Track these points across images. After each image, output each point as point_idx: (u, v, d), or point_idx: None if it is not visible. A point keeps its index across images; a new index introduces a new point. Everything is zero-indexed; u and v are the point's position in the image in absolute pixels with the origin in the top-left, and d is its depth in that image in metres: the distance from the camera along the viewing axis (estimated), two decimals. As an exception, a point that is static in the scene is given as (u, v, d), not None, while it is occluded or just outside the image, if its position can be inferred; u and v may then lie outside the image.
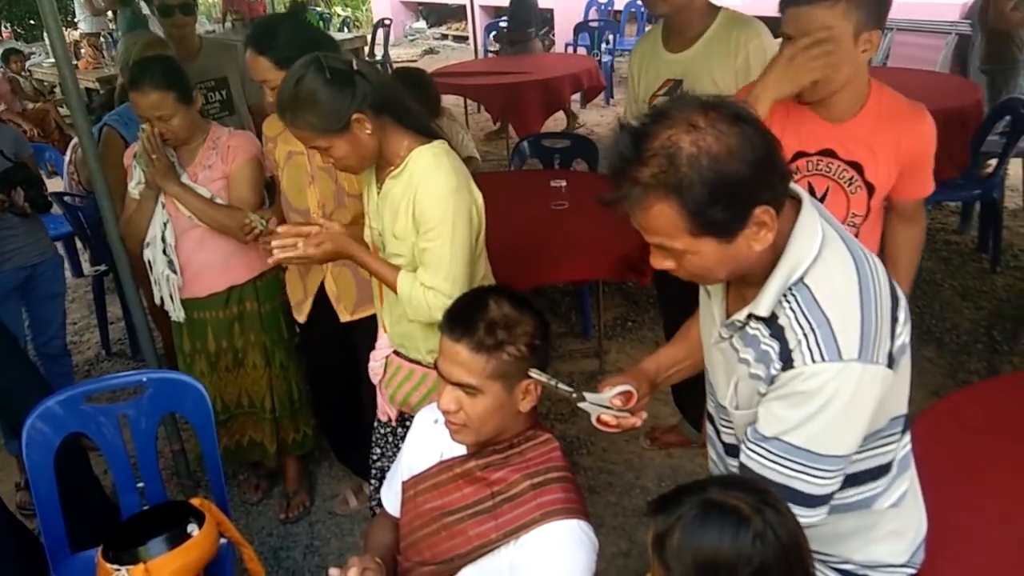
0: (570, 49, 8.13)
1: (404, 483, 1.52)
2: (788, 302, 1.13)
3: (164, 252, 2.39)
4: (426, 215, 1.66)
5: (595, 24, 8.01)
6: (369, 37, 9.04)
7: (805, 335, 1.10)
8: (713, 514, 0.99)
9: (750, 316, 1.16)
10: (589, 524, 1.34)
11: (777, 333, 1.13)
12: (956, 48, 5.43)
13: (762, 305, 1.14)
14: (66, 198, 3.57)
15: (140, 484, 2.11)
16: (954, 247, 4.28)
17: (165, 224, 2.37)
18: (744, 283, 1.18)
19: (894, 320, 1.14)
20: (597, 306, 3.67)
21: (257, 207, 2.40)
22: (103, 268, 3.73)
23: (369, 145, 1.68)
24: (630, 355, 3.53)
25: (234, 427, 2.64)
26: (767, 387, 1.15)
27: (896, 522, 1.29)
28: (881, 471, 1.25)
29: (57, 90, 8.35)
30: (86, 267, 4.50)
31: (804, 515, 1.12)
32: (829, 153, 1.73)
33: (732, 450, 1.32)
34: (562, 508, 1.32)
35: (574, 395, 1.32)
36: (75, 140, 3.69)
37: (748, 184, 1.04)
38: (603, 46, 7.79)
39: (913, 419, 1.75)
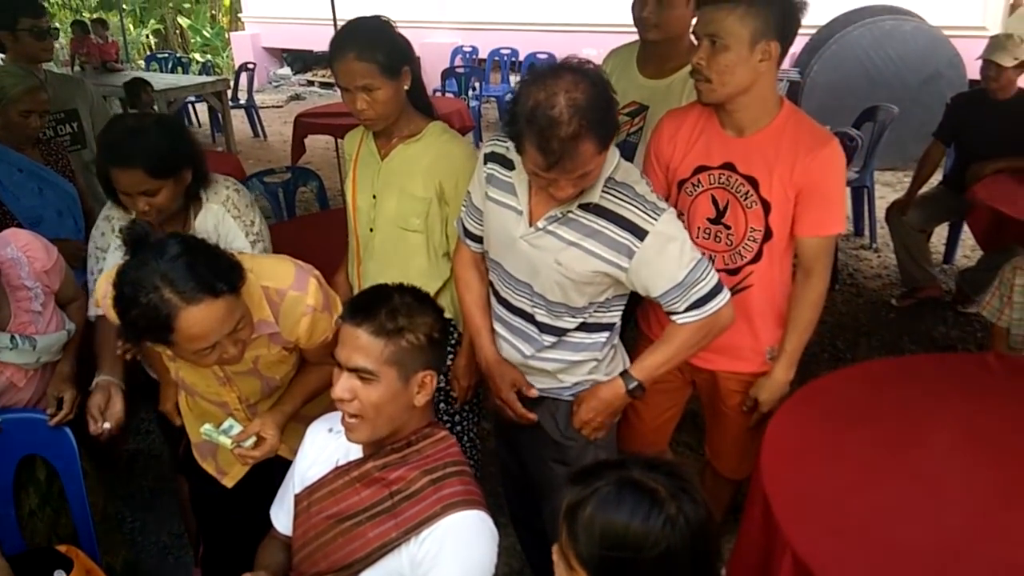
0: (439, 95, 8.29)
1: (297, 495, 1.48)
2: (608, 193, 1.58)
3: None
4: (465, 177, 1.87)
5: (461, 71, 8.22)
6: (232, 81, 8.85)
7: (637, 210, 1.57)
8: (629, 491, 0.99)
9: (580, 206, 1.58)
10: (488, 515, 1.35)
11: (619, 220, 1.57)
12: (787, 94, 6.02)
13: (594, 192, 1.56)
14: None
15: (-7, 535, 1.92)
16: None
17: None
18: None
19: None
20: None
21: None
22: None
23: (400, 102, 1.86)
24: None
25: None
26: (627, 261, 1.58)
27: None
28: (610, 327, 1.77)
29: None
30: None
31: (725, 298, 1.65)
32: (729, 167, 1.80)
33: (548, 328, 1.72)
34: (462, 500, 1.33)
35: None
36: None
37: None
38: (470, 92, 8.01)
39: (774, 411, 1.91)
